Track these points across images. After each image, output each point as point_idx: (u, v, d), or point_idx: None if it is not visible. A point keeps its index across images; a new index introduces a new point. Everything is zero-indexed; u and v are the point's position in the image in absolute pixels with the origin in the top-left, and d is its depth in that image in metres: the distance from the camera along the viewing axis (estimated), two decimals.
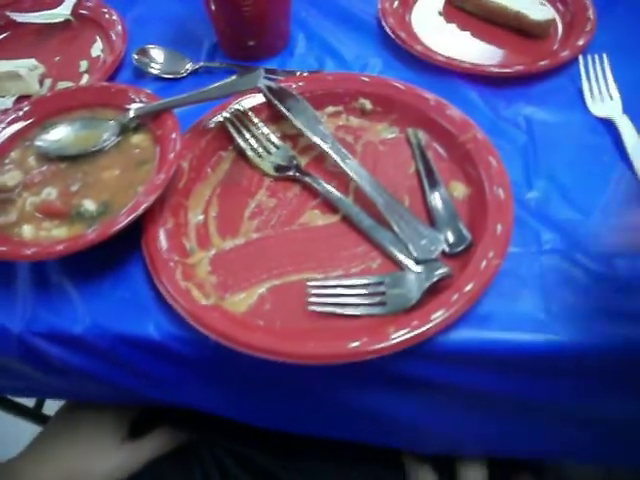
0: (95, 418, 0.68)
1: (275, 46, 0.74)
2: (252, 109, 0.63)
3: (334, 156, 0.57)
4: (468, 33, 0.75)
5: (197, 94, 0.59)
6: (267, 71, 0.68)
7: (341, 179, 0.58)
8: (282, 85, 0.63)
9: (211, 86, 0.60)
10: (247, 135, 0.61)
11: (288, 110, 0.61)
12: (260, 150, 0.60)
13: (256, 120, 0.62)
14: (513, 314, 0.49)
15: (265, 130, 0.62)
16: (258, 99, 0.63)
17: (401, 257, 0.51)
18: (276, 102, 0.62)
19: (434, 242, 0.51)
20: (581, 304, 0.49)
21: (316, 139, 0.59)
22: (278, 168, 0.59)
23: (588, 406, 0.54)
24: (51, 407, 1.11)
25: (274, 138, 0.61)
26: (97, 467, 0.64)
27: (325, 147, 0.58)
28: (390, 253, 0.52)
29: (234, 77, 0.67)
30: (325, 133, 0.59)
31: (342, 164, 0.57)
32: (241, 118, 0.62)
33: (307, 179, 0.58)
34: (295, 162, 0.59)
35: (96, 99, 0.62)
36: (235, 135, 0.61)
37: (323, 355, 0.46)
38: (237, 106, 0.62)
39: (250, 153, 0.60)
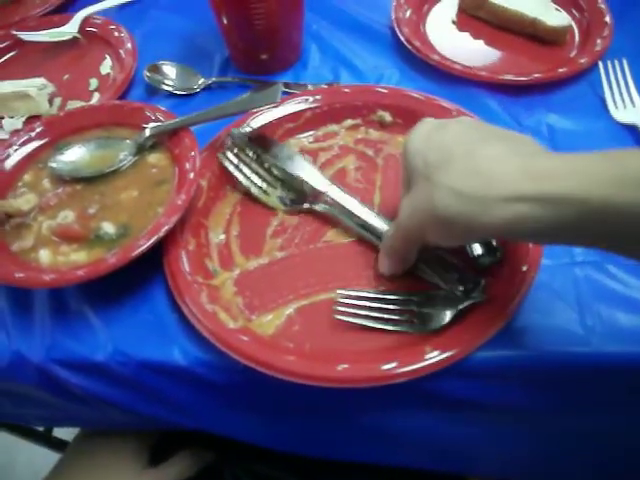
0: (114, 445, 0.67)
1: (288, 59, 0.73)
2: (249, 139, 0.60)
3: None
4: (482, 41, 0.74)
5: (214, 110, 0.58)
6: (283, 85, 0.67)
7: (363, 194, 0.56)
8: (259, 133, 0.61)
9: (229, 102, 0.58)
10: (247, 171, 0.58)
11: (274, 157, 0.58)
12: (264, 186, 0.57)
13: (250, 153, 0.59)
14: (548, 328, 0.47)
15: (263, 162, 0.59)
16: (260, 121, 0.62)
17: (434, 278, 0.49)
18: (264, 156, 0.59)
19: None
20: (617, 316, 0.48)
21: (322, 187, 0.56)
22: (290, 201, 0.57)
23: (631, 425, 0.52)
24: (62, 430, 1.09)
25: (277, 171, 0.58)
26: None
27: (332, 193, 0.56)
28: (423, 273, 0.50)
29: (250, 92, 0.65)
30: (325, 180, 0.57)
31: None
32: (237, 154, 0.59)
33: (324, 208, 0.55)
34: (304, 193, 0.57)
35: (111, 118, 0.61)
36: (235, 173, 0.58)
37: (356, 378, 0.44)
38: (235, 136, 0.60)
39: (254, 190, 0.58)
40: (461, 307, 0.46)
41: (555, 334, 0.47)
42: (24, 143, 0.60)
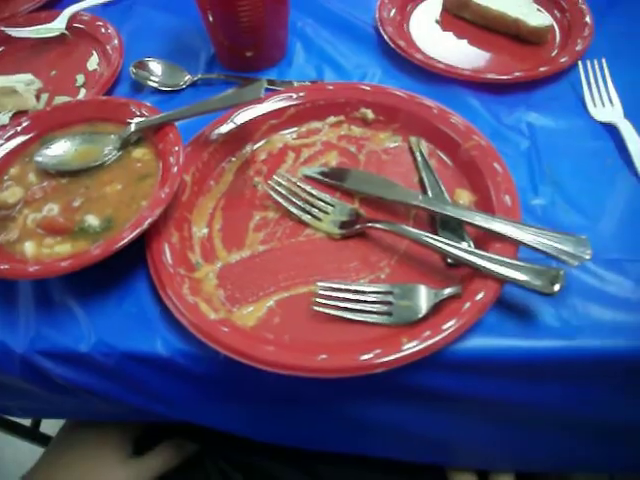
0: (99, 435, 0.67)
1: (273, 57, 0.73)
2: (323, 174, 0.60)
3: (432, 209, 0.53)
4: (465, 41, 0.75)
5: (199, 106, 0.58)
6: (267, 82, 0.68)
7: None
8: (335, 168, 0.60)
9: (213, 98, 0.59)
10: (296, 200, 0.57)
11: (348, 184, 0.58)
12: (315, 212, 0.56)
13: (296, 180, 0.58)
14: (525, 321, 0.48)
15: (309, 188, 0.58)
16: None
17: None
18: (339, 184, 0.58)
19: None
20: (592, 310, 0.49)
21: (409, 200, 0.54)
22: (342, 225, 0.55)
23: (599, 413, 0.53)
24: (49, 426, 1.10)
25: (324, 196, 0.57)
26: None
27: (417, 203, 0.53)
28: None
29: (235, 89, 0.66)
30: (410, 192, 0.55)
31: (445, 212, 0.52)
32: (281, 183, 0.58)
33: (378, 226, 0.53)
34: (358, 214, 0.55)
35: (96, 113, 0.61)
36: (285, 203, 0.57)
37: (335, 368, 0.45)
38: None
39: (307, 218, 0.56)
40: (438, 300, 0.47)
41: (531, 327, 0.48)
42: (10, 137, 0.61)
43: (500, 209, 0.53)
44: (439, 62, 0.68)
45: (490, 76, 0.67)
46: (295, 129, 0.64)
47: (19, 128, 0.61)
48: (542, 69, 0.67)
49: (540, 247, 0.47)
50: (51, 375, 0.52)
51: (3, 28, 0.82)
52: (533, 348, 0.47)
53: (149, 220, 0.50)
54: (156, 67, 0.72)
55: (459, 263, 0.50)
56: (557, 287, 0.44)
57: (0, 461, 1.43)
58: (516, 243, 0.49)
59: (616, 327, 0.47)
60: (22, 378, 0.54)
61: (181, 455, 0.67)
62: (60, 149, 0.59)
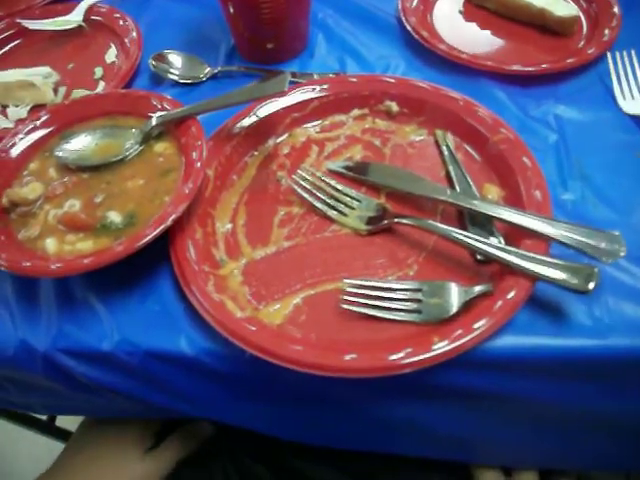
0: (118, 432, 0.67)
1: (294, 48, 0.72)
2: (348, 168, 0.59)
3: (460, 204, 0.51)
4: (489, 32, 0.74)
5: (221, 99, 0.57)
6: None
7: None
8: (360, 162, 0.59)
9: (236, 91, 0.58)
10: (321, 195, 0.56)
11: (373, 178, 0.57)
12: (341, 207, 0.55)
13: (320, 175, 0.57)
14: (557, 320, 0.47)
15: (334, 183, 0.57)
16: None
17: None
18: (365, 178, 0.57)
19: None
20: (625, 308, 0.47)
21: (437, 195, 0.53)
22: (368, 220, 0.54)
23: (631, 412, 0.52)
24: (64, 419, 1.10)
25: (350, 191, 0.56)
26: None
27: (445, 198, 0.52)
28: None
29: (257, 81, 0.65)
30: (438, 187, 0.54)
31: (473, 207, 0.51)
32: (305, 177, 0.57)
33: (405, 221, 0.52)
34: (385, 209, 0.54)
35: (117, 107, 0.60)
36: (309, 198, 0.56)
37: (363, 368, 0.44)
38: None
39: (333, 213, 0.55)
40: (469, 298, 0.46)
41: (563, 325, 0.47)
42: (30, 131, 0.60)
43: (530, 204, 0.51)
44: (463, 53, 0.67)
45: (516, 67, 0.65)
46: (318, 122, 0.63)
47: (38, 122, 0.60)
48: (569, 60, 0.65)
49: (573, 244, 0.46)
50: (74, 373, 0.52)
51: (20, 20, 0.81)
52: (565, 347, 0.46)
53: (173, 216, 0.49)
54: (175, 59, 0.71)
55: (489, 260, 0.49)
56: (592, 285, 0.43)
57: (16, 455, 1.44)
58: (548, 239, 0.48)
59: None
60: (44, 376, 0.53)
61: (197, 439, 0.66)
62: (80, 143, 0.58)
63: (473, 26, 0.75)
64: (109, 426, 0.68)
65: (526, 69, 0.65)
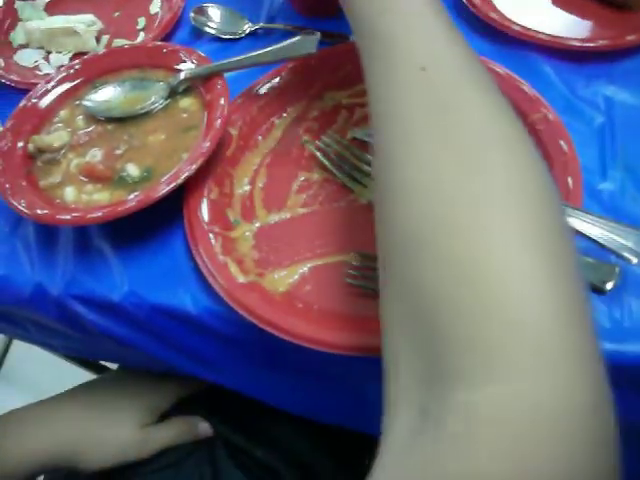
0: (130, 392, 0.67)
1: None
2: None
3: None
4: (549, 0, 0.69)
5: (250, 58, 0.56)
6: (325, 34, 0.64)
7: None
8: None
9: (264, 50, 0.56)
10: (342, 163, 0.54)
11: None
12: (362, 177, 0.53)
13: (345, 143, 0.56)
14: None
15: (357, 152, 0.55)
16: None
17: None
18: None
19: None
20: None
21: None
22: None
23: None
24: None
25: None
26: (112, 439, 0.62)
27: None
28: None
29: (289, 41, 0.63)
30: None
31: None
32: (330, 144, 0.55)
33: None
34: None
35: (148, 59, 0.60)
36: (330, 166, 0.54)
37: (363, 347, 0.43)
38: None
39: (352, 183, 0.53)
40: None
41: None
42: (62, 80, 0.60)
43: (561, 192, 0.48)
44: (515, 24, 0.63)
45: (570, 42, 0.61)
46: (350, 87, 0.60)
47: (71, 71, 0.60)
48: (629, 38, 0.60)
49: (598, 239, 0.43)
50: (83, 320, 0.53)
51: None
52: None
53: (186, 174, 0.49)
54: (215, 13, 0.70)
55: None
56: (610, 285, 0.40)
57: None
58: (571, 231, 0.45)
59: None
60: (57, 320, 0.55)
61: (193, 434, 0.66)
62: (109, 94, 0.58)
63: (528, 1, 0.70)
64: (128, 380, 0.69)
65: (580, 44, 0.61)
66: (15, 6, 0.79)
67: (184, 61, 0.58)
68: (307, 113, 0.59)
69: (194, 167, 0.49)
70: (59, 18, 0.74)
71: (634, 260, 0.42)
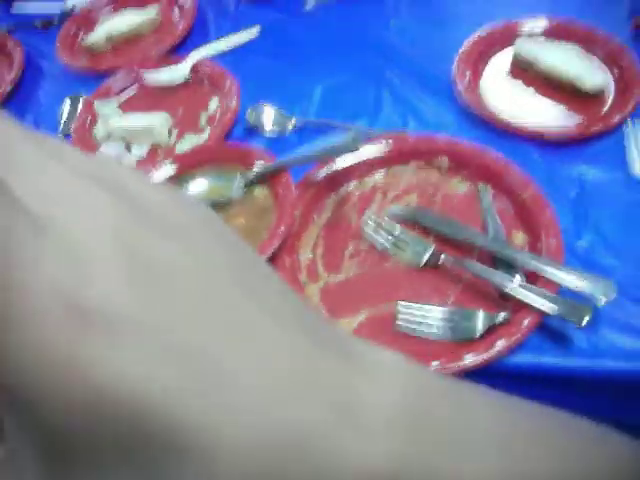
0: None
1: None
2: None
3: (492, 249, 0.67)
4: (532, 89, 0.87)
5: (308, 157, 0.74)
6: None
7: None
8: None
9: (319, 149, 0.74)
10: (383, 234, 0.71)
11: (425, 222, 0.72)
12: (399, 244, 0.69)
13: (383, 217, 0.73)
14: (560, 343, 0.61)
15: (393, 224, 0.72)
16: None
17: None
18: (419, 222, 0.72)
19: None
20: (616, 337, 0.61)
21: (475, 241, 0.68)
22: (420, 257, 0.68)
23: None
24: None
25: (406, 232, 0.71)
26: None
27: (481, 243, 0.68)
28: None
29: (336, 143, 0.79)
30: (476, 233, 0.69)
31: (502, 252, 0.66)
32: (371, 218, 0.73)
33: (449, 260, 0.67)
34: (434, 249, 0.69)
35: (226, 156, 0.77)
36: (374, 236, 0.71)
37: None
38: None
39: (392, 250, 0.70)
40: (492, 323, 0.61)
41: (566, 348, 0.61)
42: (161, 173, 0.77)
43: (548, 251, 0.65)
44: (504, 117, 0.81)
45: (549, 131, 0.79)
46: (383, 172, 0.78)
47: (166, 165, 0.78)
48: (594, 129, 0.78)
49: (576, 286, 0.60)
50: None
51: (138, 69, 0.99)
52: (566, 366, 0.60)
53: (271, 250, 0.66)
54: (268, 112, 0.87)
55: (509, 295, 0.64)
56: (585, 322, 0.57)
57: None
58: (557, 281, 0.62)
59: (635, 352, 0.60)
60: None
61: None
62: (198, 186, 0.75)
63: (519, 83, 0.88)
64: None
65: (557, 133, 0.79)
66: (94, 106, 0.97)
67: (256, 157, 0.75)
68: (351, 194, 0.76)
69: (276, 243, 0.66)
70: (136, 117, 0.92)
71: (603, 301, 0.59)
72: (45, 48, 1.12)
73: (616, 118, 0.79)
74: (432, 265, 0.68)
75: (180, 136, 0.90)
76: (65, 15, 1.18)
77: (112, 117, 0.95)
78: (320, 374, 0.18)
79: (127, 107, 0.97)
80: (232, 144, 0.81)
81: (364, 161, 0.77)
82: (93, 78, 1.02)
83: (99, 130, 0.94)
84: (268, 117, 0.88)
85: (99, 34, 1.10)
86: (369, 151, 0.78)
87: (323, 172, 0.77)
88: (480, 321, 0.61)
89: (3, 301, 0.15)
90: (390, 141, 0.78)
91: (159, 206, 0.19)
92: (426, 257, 0.68)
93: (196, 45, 1.02)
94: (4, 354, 0.15)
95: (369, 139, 0.80)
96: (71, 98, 1.00)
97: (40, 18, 1.19)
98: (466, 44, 0.90)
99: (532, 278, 0.64)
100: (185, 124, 0.92)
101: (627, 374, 0.59)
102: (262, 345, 0.18)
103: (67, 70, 1.06)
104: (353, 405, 0.18)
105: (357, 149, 0.72)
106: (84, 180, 0.18)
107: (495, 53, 0.92)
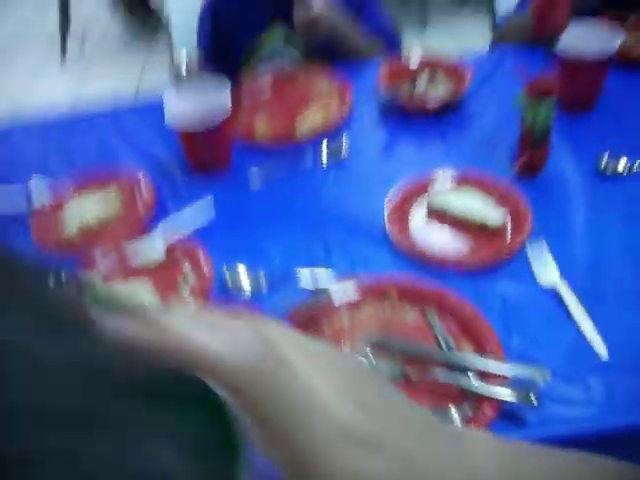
0: None
1: None
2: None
3: (447, 360, 0.84)
4: (447, 227, 1.08)
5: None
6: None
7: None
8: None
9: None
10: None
11: (389, 345, 0.87)
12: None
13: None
14: (516, 417, 0.77)
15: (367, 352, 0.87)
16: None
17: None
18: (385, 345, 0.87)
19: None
20: (555, 407, 0.78)
21: (432, 356, 0.85)
22: (391, 373, 0.83)
23: None
24: None
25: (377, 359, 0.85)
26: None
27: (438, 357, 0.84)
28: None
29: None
30: (432, 350, 0.87)
31: (455, 361, 0.83)
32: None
33: (415, 373, 0.84)
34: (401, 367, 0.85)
35: None
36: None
37: None
38: None
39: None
40: (461, 417, 0.76)
41: (519, 421, 0.77)
42: None
43: (490, 351, 0.83)
44: (430, 253, 1.02)
45: (466, 262, 1.00)
46: (350, 309, 0.94)
47: None
48: (500, 255, 1.00)
49: (518, 375, 0.78)
50: None
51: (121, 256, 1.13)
52: (522, 433, 0.76)
53: None
54: (243, 273, 1.03)
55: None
56: (534, 399, 0.75)
57: None
58: (503, 374, 0.79)
59: (571, 419, 0.77)
60: None
61: None
62: None
63: (435, 222, 1.09)
64: None
65: (472, 263, 1.00)
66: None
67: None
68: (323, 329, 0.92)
69: None
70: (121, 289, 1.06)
71: (541, 383, 0.76)
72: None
73: (518, 244, 1.01)
74: (403, 377, 0.84)
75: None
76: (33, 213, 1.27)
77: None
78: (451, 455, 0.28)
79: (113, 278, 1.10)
80: (221, 312, 0.95)
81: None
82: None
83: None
84: (243, 278, 1.03)
85: (70, 226, 1.23)
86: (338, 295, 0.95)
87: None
88: (454, 415, 0.77)
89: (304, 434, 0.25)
90: (351, 283, 0.96)
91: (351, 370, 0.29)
92: (396, 372, 0.84)
93: (160, 219, 1.19)
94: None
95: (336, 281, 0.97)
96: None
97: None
98: (390, 199, 1.12)
99: (484, 375, 0.81)
100: (163, 289, 1.06)
101: (570, 438, 0.76)
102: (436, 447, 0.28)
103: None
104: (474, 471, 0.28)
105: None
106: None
107: (413, 203, 1.14)
